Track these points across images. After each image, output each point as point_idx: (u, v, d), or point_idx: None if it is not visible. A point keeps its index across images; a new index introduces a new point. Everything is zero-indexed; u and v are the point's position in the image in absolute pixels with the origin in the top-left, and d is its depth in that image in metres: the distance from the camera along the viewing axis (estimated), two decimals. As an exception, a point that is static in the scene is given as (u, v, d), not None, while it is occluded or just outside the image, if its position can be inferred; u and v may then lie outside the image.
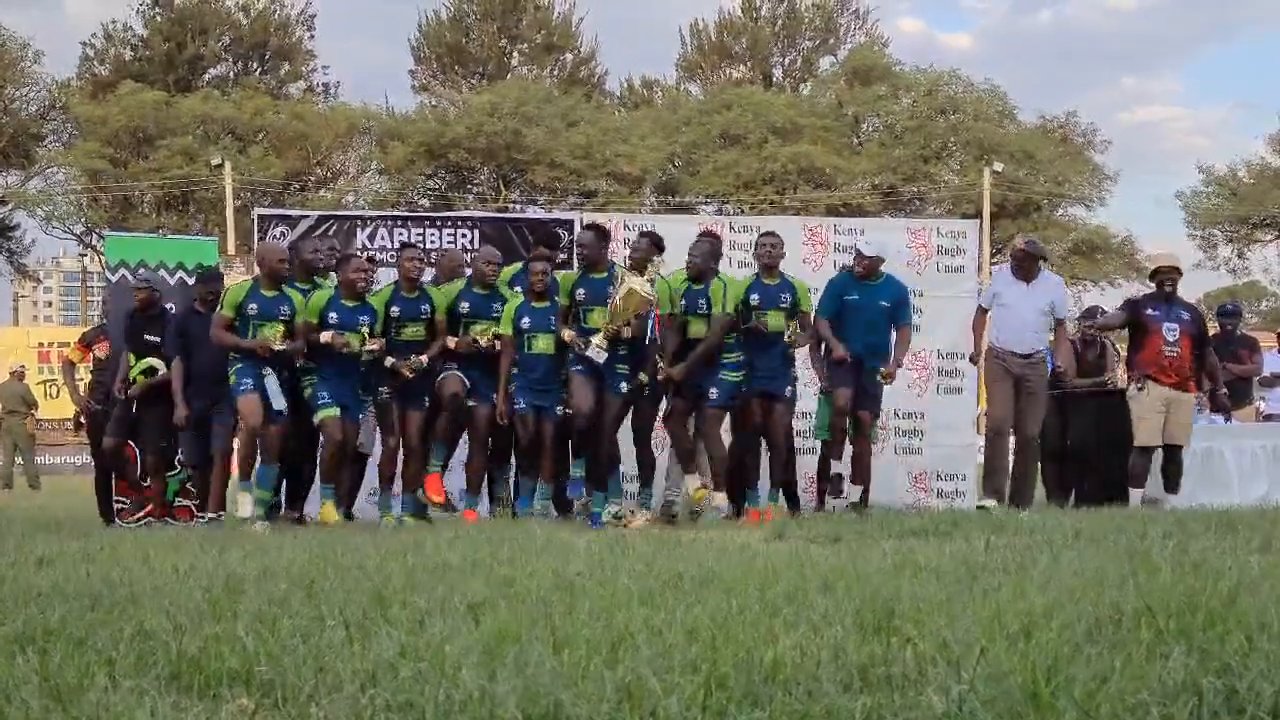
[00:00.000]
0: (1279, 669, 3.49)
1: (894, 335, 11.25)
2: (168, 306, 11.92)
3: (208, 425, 11.11)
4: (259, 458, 10.50)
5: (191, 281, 12.23)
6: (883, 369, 11.08)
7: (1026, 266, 11.81)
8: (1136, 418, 11.66)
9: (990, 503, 11.15)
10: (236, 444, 10.85)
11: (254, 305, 10.49)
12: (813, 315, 11.15)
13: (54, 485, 25.36)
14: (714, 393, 10.71)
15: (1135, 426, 11.66)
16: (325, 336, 10.37)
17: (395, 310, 10.81)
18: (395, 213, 24.97)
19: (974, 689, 3.39)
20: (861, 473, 11.25)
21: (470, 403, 10.89)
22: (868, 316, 11.10)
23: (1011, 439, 11.87)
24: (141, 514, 11.76)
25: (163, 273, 12.41)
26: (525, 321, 10.83)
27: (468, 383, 10.86)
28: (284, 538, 8.54)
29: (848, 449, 11.27)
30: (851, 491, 11.22)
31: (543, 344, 10.79)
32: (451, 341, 10.86)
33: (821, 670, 3.61)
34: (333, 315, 10.50)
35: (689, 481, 10.72)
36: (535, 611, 4.60)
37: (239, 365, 10.44)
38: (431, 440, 10.95)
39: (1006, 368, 11.58)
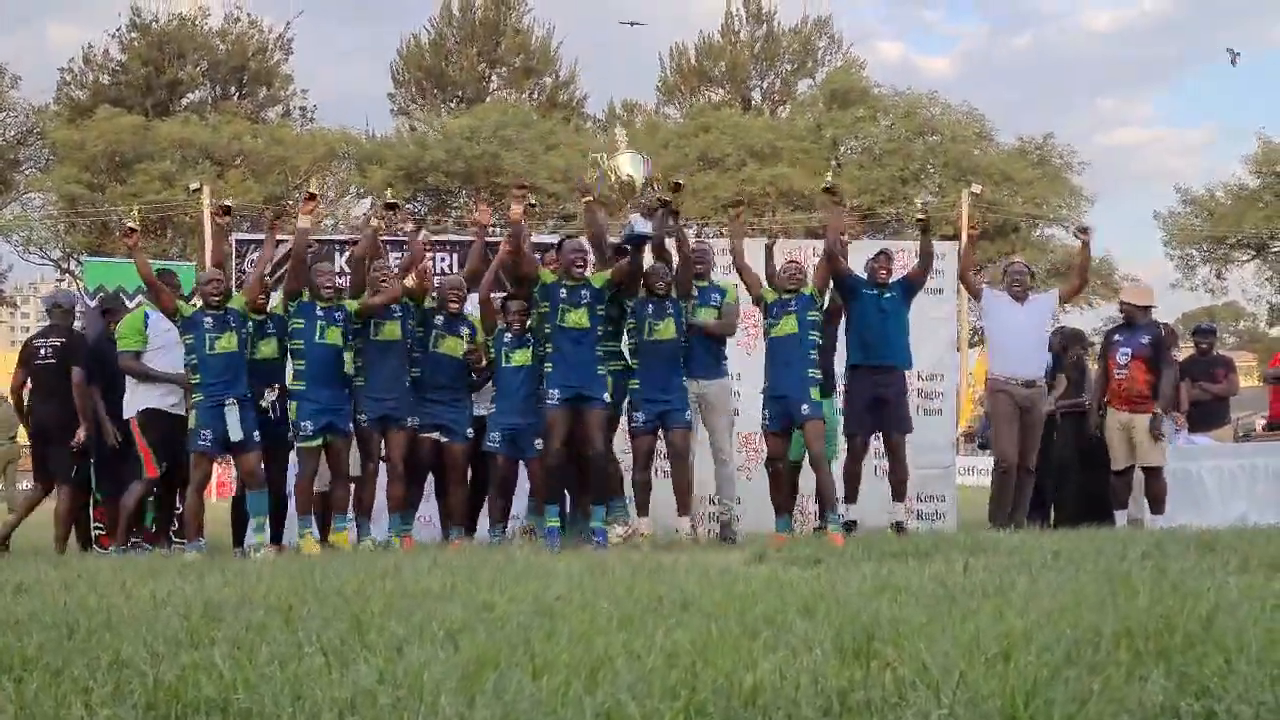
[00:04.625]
0: (1257, 691, 3.50)
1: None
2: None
3: (122, 456, 11.20)
4: (249, 486, 10.49)
5: None
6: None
7: (1023, 285, 11.93)
8: (1107, 442, 11.84)
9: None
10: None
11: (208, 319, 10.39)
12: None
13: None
14: (687, 415, 10.72)
15: (1109, 451, 11.83)
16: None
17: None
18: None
19: (953, 713, 3.40)
20: (900, 494, 11.28)
21: (439, 436, 10.90)
22: (880, 310, 11.17)
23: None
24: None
25: (141, 298, 12.35)
26: (506, 337, 10.86)
27: (493, 440, 10.82)
28: (262, 565, 8.52)
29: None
30: (899, 510, 11.23)
31: (520, 357, 10.78)
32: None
33: (801, 694, 3.61)
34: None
35: (642, 524, 10.66)
36: (514, 637, 4.59)
37: (200, 400, 10.30)
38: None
39: (1016, 401, 11.61)
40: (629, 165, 10.90)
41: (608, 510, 10.64)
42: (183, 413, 10.80)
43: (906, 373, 11.56)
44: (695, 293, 11.13)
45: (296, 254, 10.69)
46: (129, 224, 10.59)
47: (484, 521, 11.16)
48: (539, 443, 10.67)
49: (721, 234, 11.39)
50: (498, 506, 10.90)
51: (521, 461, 10.88)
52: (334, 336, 10.55)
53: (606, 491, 10.67)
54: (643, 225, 10.55)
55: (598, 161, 11.04)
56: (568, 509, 10.98)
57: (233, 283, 11.45)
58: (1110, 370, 11.93)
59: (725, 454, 11.31)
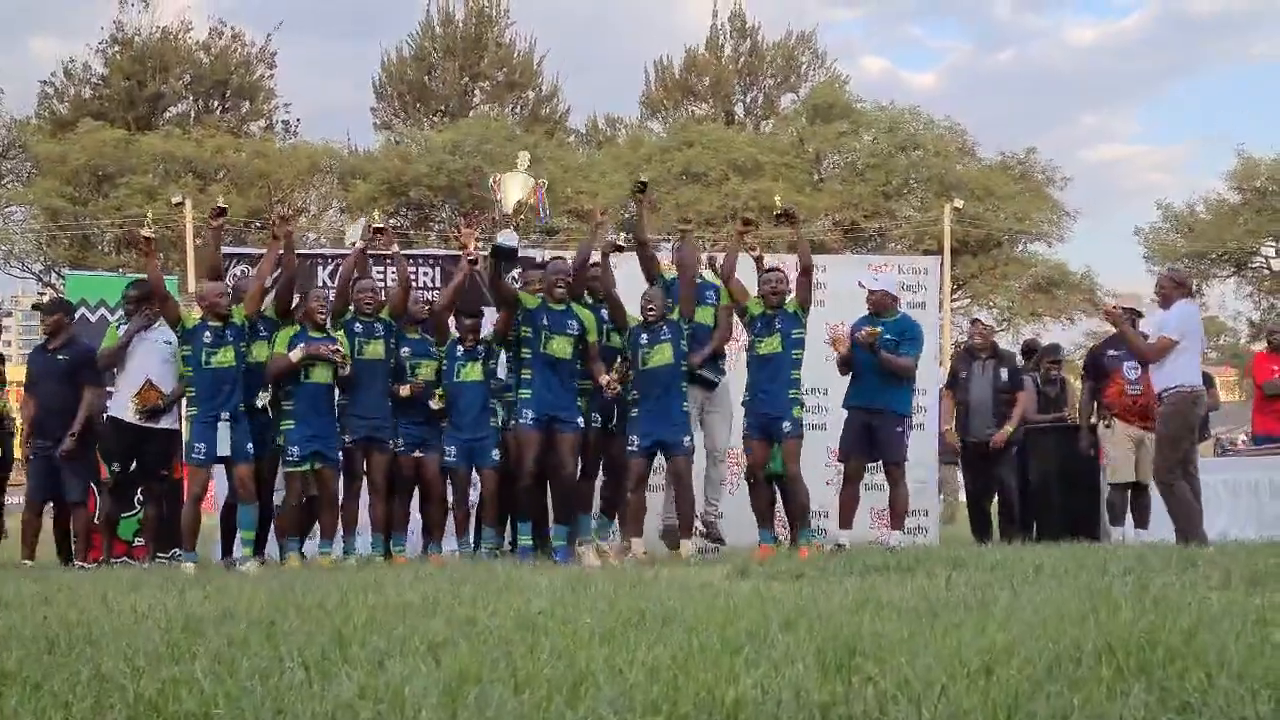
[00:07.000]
0: (1238, 706, 3.50)
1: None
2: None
3: (48, 463, 11.21)
4: (240, 499, 10.55)
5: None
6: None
7: (1162, 295, 10.92)
8: (1109, 456, 11.69)
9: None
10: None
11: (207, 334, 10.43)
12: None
13: (12, 526, 25.04)
14: (687, 441, 10.65)
15: (1109, 464, 11.69)
16: (296, 354, 10.38)
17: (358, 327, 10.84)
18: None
19: (935, 727, 3.40)
20: (899, 524, 11.13)
21: (417, 454, 10.90)
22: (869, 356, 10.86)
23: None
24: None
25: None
26: (458, 351, 10.90)
27: (450, 454, 10.86)
28: (244, 578, 8.50)
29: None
30: (893, 536, 11.06)
31: (471, 372, 10.84)
32: (404, 390, 10.82)
33: (782, 710, 3.60)
34: (302, 345, 10.54)
35: (635, 545, 10.61)
36: (496, 651, 4.58)
37: (196, 414, 10.40)
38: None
39: None
40: (518, 186, 10.86)
41: (575, 531, 10.64)
42: (143, 424, 10.85)
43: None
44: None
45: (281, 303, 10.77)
46: (145, 233, 10.56)
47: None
48: (496, 453, 10.81)
49: (704, 248, 11.30)
50: (462, 518, 10.97)
51: (476, 470, 10.92)
52: (320, 374, 10.56)
53: (572, 513, 10.67)
54: (507, 238, 10.49)
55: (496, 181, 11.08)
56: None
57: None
58: (1121, 386, 11.70)
59: (719, 453, 11.31)
